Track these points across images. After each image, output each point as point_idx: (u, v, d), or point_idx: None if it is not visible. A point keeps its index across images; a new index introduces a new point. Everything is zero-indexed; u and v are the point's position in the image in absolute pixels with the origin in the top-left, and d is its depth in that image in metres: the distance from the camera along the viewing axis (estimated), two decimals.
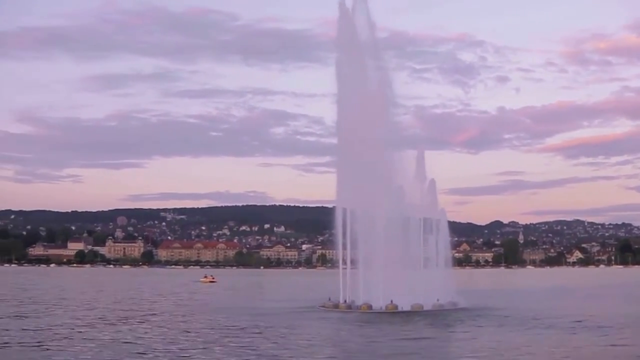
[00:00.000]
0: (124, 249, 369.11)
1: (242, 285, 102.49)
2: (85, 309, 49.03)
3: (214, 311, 46.73)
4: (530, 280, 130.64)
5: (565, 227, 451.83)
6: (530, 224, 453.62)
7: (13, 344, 28.17)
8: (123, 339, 29.82)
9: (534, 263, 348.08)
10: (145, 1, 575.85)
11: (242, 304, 55.22)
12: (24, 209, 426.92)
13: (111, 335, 31.52)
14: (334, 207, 48.59)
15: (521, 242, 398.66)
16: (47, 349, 26.78)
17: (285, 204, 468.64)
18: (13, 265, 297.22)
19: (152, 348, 27.13)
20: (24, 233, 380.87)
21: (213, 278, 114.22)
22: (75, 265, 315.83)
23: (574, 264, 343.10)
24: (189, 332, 33.50)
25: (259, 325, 36.42)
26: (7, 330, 32.95)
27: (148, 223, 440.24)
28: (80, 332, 32.81)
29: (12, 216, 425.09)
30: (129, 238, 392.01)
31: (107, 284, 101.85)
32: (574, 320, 38.11)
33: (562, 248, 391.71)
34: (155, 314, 44.40)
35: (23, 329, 33.51)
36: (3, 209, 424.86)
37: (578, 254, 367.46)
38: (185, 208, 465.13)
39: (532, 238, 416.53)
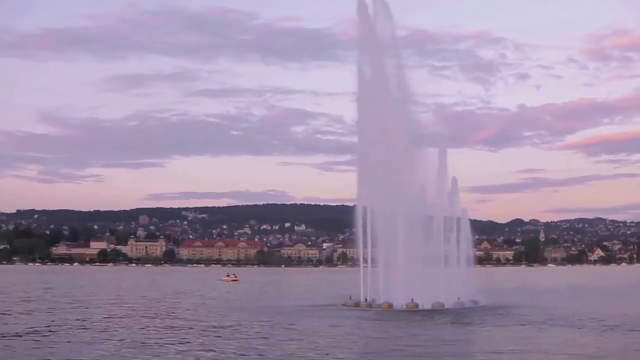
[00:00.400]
0: (146, 247, 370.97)
1: (263, 284, 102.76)
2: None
3: (236, 310, 46.97)
4: (551, 278, 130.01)
5: (586, 225, 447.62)
6: (551, 222, 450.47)
7: None
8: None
9: (555, 261, 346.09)
10: (165, 1, 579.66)
11: (265, 303, 55.55)
12: (47, 209, 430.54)
13: None
14: (354, 205, 48.66)
15: (542, 240, 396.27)
16: None
17: (305, 203, 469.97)
18: (37, 264, 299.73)
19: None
20: (48, 232, 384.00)
21: (235, 277, 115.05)
22: (97, 264, 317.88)
23: (595, 262, 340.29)
24: (218, 329, 33.92)
25: (281, 323, 36.66)
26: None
27: (169, 222, 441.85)
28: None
29: (36, 216, 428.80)
30: (151, 237, 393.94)
31: (144, 283, 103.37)
32: (596, 319, 37.90)
33: (583, 246, 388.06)
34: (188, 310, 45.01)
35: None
36: (27, 208, 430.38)
37: (599, 252, 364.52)
38: (206, 207, 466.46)
39: (553, 236, 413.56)
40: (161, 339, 29.84)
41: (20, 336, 30.35)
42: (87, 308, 48.60)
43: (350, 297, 48.19)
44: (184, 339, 30.07)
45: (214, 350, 26.54)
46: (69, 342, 28.67)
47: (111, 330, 32.84)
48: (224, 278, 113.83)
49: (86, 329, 33.72)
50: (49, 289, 75.62)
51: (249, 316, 41.01)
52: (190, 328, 34.32)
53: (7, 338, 29.52)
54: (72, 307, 48.50)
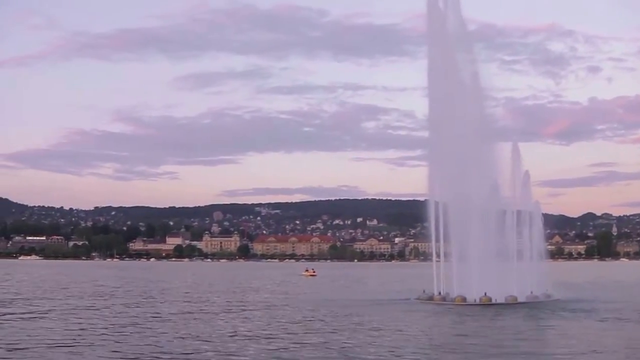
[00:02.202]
0: (221, 243, 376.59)
1: (340, 278, 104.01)
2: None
3: (318, 303, 47.75)
4: (624, 272, 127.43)
5: None
6: (624, 215, 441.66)
7: None
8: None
9: (627, 255, 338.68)
10: (236, 0, 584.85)
11: (343, 296, 56.09)
12: (123, 205, 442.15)
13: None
14: (426, 200, 48.86)
15: (614, 234, 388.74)
16: None
17: (377, 198, 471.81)
18: (115, 259, 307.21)
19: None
20: (125, 229, 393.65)
21: (314, 271, 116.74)
22: (174, 259, 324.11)
23: None
24: (300, 321, 34.92)
25: (358, 316, 37.27)
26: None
27: (243, 218, 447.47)
28: None
29: (113, 212, 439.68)
30: (225, 232, 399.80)
31: (234, 277, 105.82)
32: None
33: None
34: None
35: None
36: (104, 205, 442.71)
37: None
38: (279, 202, 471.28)
39: (626, 230, 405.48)
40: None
41: None
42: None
43: (424, 291, 48.35)
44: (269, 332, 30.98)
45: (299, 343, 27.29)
46: None
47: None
48: (304, 273, 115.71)
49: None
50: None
51: (331, 309, 41.71)
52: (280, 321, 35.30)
53: None
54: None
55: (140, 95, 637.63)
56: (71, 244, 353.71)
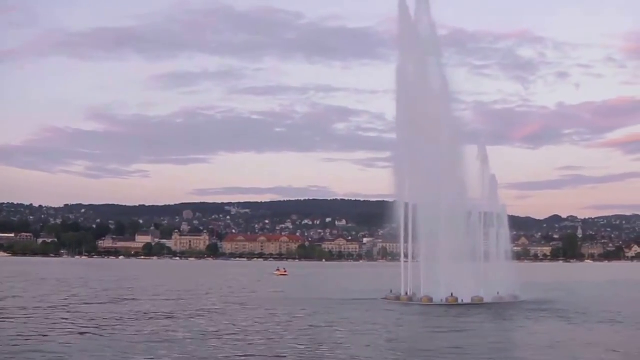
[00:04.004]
0: (190, 241, 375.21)
1: (310, 278, 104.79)
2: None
3: (293, 301, 48.49)
4: (589, 274, 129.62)
5: (624, 222, 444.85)
6: (589, 218, 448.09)
7: None
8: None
9: (592, 257, 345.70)
10: (213, 1, 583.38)
11: (313, 295, 56.55)
12: (94, 203, 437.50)
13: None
14: (394, 201, 49.46)
15: (580, 236, 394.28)
16: None
17: (347, 198, 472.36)
18: (83, 257, 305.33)
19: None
20: (94, 226, 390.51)
21: (285, 271, 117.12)
22: (143, 257, 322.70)
23: (632, 258, 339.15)
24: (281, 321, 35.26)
25: (321, 315, 37.89)
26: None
27: (213, 217, 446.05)
28: None
29: (83, 210, 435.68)
30: (195, 231, 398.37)
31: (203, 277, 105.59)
32: (632, 315, 38.44)
33: (620, 243, 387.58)
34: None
35: None
36: (74, 203, 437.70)
37: (637, 249, 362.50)
38: (249, 202, 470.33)
39: (591, 232, 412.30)
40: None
41: None
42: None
43: (391, 291, 48.92)
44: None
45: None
46: None
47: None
48: (275, 272, 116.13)
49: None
50: None
51: (299, 307, 42.45)
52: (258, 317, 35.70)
53: None
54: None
55: (114, 94, 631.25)
56: (40, 241, 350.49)
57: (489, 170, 50.01)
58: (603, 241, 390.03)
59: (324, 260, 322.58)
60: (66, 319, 34.74)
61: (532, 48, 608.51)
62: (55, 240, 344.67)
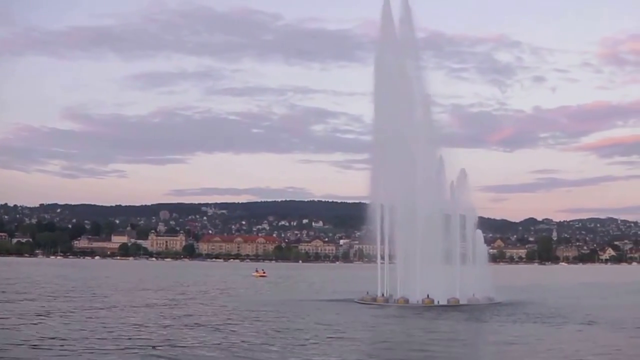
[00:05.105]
0: (166, 242, 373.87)
1: (287, 279, 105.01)
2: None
3: (265, 303, 48.29)
4: (563, 276, 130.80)
5: (598, 225, 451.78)
6: (564, 221, 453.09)
7: None
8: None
9: (567, 260, 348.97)
10: (191, 1, 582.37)
11: (288, 297, 56.51)
12: (70, 203, 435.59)
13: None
14: (370, 202, 49.67)
15: (555, 239, 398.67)
16: None
17: (323, 200, 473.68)
18: (59, 257, 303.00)
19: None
20: (70, 226, 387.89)
21: (264, 272, 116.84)
22: (118, 257, 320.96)
23: (606, 261, 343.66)
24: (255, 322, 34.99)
25: (302, 317, 37.85)
26: None
27: (190, 217, 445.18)
28: None
29: (59, 210, 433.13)
30: (171, 232, 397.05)
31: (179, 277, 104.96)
32: (605, 317, 38.86)
33: (595, 245, 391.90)
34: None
35: None
36: (50, 202, 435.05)
37: (611, 252, 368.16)
38: (226, 203, 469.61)
39: (566, 235, 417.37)
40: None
41: None
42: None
43: (368, 293, 49.04)
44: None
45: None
46: None
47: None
48: (254, 274, 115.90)
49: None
50: None
51: (273, 309, 42.35)
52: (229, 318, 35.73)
53: None
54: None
55: (91, 93, 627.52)
56: (15, 240, 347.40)
57: (464, 172, 49.94)
58: (578, 244, 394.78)
59: (300, 261, 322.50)
60: None
61: (509, 52, 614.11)
62: (30, 240, 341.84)
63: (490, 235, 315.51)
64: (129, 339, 27.30)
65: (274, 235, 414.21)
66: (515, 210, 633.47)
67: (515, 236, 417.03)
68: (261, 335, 29.28)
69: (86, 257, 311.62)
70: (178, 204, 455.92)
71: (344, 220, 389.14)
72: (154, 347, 25.26)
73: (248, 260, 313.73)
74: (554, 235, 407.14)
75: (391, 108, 48.89)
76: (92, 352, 23.80)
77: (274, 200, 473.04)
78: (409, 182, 47.71)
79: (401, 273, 47.16)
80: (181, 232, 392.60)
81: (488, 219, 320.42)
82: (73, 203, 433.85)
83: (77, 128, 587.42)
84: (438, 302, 44.71)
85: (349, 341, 28.37)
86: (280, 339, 28.33)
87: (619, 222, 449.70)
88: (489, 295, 48.25)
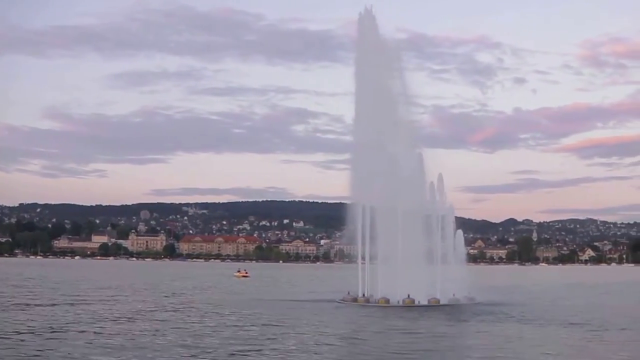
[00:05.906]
0: (147, 242, 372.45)
1: (268, 279, 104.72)
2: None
3: (250, 304, 48.39)
4: (543, 277, 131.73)
5: (578, 226, 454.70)
6: (544, 222, 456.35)
7: None
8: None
9: (547, 260, 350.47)
10: (173, 0, 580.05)
11: (273, 297, 56.61)
12: (49, 202, 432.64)
13: None
14: (351, 203, 49.74)
15: (535, 239, 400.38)
16: None
17: (305, 200, 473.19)
18: (38, 257, 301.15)
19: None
20: (50, 226, 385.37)
21: (246, 272, 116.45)
22: (99, 257, 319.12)
23: (586, 262, 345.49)
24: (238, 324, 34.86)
25: (284, 318, 37.81)
26: None
27: (170, 217, 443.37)
28: None
29: (38, 209, 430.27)
30: (152, 232, 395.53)
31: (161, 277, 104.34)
32: (583, 318, 39.07)
33: (574, 246, 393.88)
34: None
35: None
36: (30, 202, 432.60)
37: (590, 252, 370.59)
38: (207, 203, 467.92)
39: (546, 236, 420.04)
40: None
41: None
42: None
43: (349, 293, 49.13)
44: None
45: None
46: None
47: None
48: (236, 274, 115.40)
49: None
50: None
51: (257, 309, 42.41)
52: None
53: None
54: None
55: (72, 92, 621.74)
56: None
57: (444, 173, 50.18)
58: (557, 244, 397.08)
59: (281, 261, 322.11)
60: None
61: (490, 53, 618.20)
62: (10, 239, 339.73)
63: (471, 235, 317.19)
64: None
65: (255, 235, 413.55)
66: (495, 210, 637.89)
67: (495, 237, 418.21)
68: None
69: (66, 257, 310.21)
70: (159, 203, 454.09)
71: (324, 221, 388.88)
72: None
73: (229, 260, 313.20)
74: (534, 236, 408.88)
75: (372, 108, 49.01)
76: None
77: (255, 200, 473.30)
78: (389, 182, 47.81)
79: (382, 273, 47.28)
80: (162, 232, 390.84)
81: (469, 219, 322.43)
82: (53, 202, 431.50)
83: (57, 127, 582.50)
84: (419, 302, 44.89)
85: (328, 341, 28.41)
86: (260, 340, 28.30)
87: (599, 223, 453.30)
88: (470, 295, 48.47)
